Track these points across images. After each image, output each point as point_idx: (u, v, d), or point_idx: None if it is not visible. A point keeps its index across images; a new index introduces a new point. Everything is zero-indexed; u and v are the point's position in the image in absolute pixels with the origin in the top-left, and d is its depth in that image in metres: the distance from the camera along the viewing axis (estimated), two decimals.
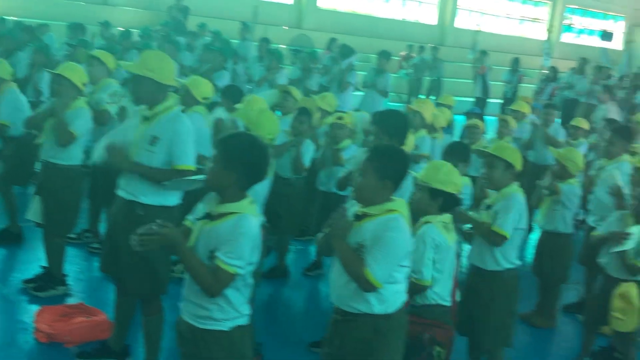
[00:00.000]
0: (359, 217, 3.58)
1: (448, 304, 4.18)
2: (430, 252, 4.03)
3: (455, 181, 4.17)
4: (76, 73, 5.70)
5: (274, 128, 5.15)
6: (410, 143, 5.95)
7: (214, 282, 3.20)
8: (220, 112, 6.88)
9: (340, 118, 6.70)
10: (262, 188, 4.62)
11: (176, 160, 4.38)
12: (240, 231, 3.21)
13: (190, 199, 4.09)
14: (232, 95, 7.12)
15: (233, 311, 3.32)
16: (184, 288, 3.41)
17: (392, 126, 5.02)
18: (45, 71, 8.70)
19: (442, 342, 4.09)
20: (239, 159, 3.27)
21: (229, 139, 3.39)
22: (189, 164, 4.42)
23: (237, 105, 6.64)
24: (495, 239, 4.78)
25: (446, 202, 4.12)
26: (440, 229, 4.08)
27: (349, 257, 3.50)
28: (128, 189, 4.47)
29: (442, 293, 4.13)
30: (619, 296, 5.15)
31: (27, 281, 5.84)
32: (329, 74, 12.28)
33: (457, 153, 5.66)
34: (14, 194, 6.78)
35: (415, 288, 4.00)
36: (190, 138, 4.48)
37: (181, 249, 3.20)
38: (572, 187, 6.14)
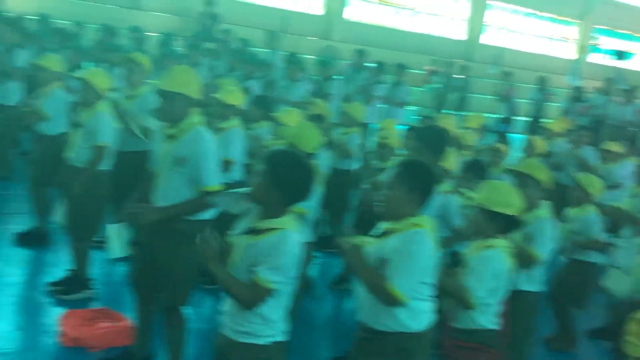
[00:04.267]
0: (384, 234, 3.57)
1: (495, 327, 4.10)
2: (489, 279, 3.96)
3: (515, 203, 4.09)
4: (101, 78, 5.75)
5: (315, 140, 5.13)
6: (451, 160, 5.89)
7: (250, 296, 3.21)
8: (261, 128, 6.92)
9: (385, 137, 6.63)
10: (312, 200, 4.64)
11: (201, 182, 4.37)
12: (281, 247, 3.22)
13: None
14: (262, 105, 7.14)
15: (272, 327, 3.33)
16: (224, 302, 3.42)
17: (432, 142, 4.99)
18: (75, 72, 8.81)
19: None
20: (284, 178, 3.28)
21: (276, 157, 3.41)
22: (215, 184, 4.40)
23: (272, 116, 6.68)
24: (529, 262, 4.73)
25: (505, 224, 4.06)
26: (505, 255, 4.03)
27: (367, 272, 3.49)
28: (164, 201, 4.48)
29: (490, 317, 4.06)
30: (635, 320, 5.07)
31: (53, 284, 5.87)
32: (351, 85, 12.33)
33: (474, 171, 5.61)
34: (46, 195, 6.80)
35: (463, 304, 3.95)
36: (214, 157, 4.46)
37: (213, 265, 3.21)
38: (588, 215, 6.06)
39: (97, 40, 11.92)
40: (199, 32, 15.73)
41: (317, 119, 6.64)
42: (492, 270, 3.95)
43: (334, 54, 14.85)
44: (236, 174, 6.27)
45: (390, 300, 3.45)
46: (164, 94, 4.40)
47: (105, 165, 5.80)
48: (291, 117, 6.44)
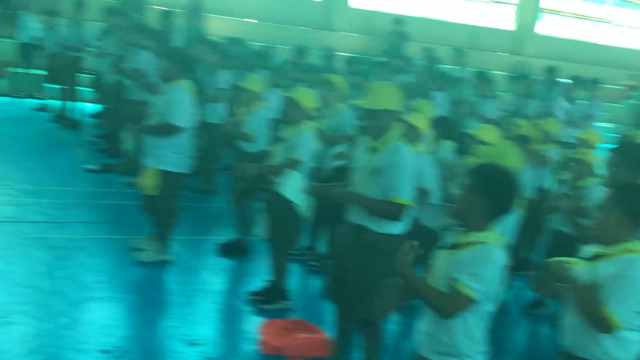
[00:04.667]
0: (595, 258, 3.40)
1: None
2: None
3: None
4: (308, 98, 5.93)
5: (516, 161, 4.99)
6: None
7: (450, 303, 3.18)
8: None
9: (581, 154, 6.35)
10: (510, 221, 4.54)
11: (391, 192, 4.38)
12: (483, 257, 3.19)
13: None
14: (443, 125, 7.02)
15: (473, 346, 3.27)
16: (421, 321, 3.40)
17: (632, 159, 4.71)
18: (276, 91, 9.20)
19: None
20: (490, 189, 3.25)
21: (480, 169, 3.40)
22: (404, 197, 4.39)
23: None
24: None
25: None
26: None
27: (586, 296, 3.32)
28: (358, 214, 4.54)
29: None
30: None
31: (253, 293, 6.11)
32: (544, 102, 11.90)
33: None
34: (249, 208, 7.12)
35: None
36: (409, 171, 4.46)
37: (410, 275, 3.21)
38: None
39: (290, 60, 12.37)
40: (387, 50, 15.89)
41: (522, 139, 6.46)
42: None
43: (526, 70, 14.43)
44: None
45: (605, 327, 3.27)
46: (369, 113, 4.47)
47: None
48: (488, 135, 6.30)
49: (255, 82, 7.20)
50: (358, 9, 19.15)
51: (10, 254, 6.28)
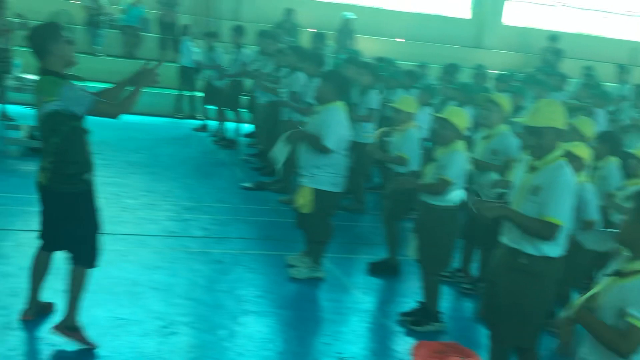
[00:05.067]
0: (622, 274, 3.15)
1: None
2: None
3: None
4: (460, 117, 5.87)
5: None
6: None
7: (625, 341, 3.03)
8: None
9: None
10: None
11: (547, 211, 4.25)
12: None
13: None
14: (609, 140, 6.73)
15: None
16: (581, 347, 3.28)
17: None
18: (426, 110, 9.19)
19: None
20: None
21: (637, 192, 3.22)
22: (559, 218, 4.25)
23: None
24: None
25: None
26: None
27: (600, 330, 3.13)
28: (512, 236, 4.44)
29: None
30: None
31: (404, 314, 6.10)
32: None
33: None
34: (397, 228, 7.14)
35: None
36: (568, 192, 4.32)
37: (579, 311, 3.10)
38: None
39: (441, 79, 12.30)
40: (541, 67, 15.47)
41: None
42: None
43: None
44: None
45: None
46: (532, 131, 4.39)
47: (452, 201, 5.89)
48: None
49: (406, 101, 7.22)
50: (511, 26, 18.81)
51: (173, 267, 6.62)
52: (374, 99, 9.40)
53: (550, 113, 4.41)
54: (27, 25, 9.50)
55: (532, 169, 4.41)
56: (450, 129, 5.81)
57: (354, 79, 9.17)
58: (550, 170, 4.33)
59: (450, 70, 12.21)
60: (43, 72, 4.74)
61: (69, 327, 4.96)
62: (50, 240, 5.06)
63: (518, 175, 4.60)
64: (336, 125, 6.51)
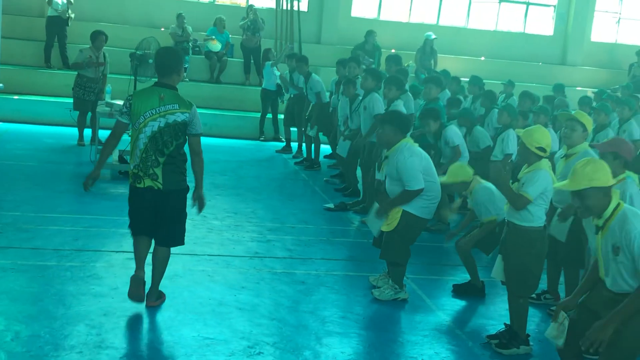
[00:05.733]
0: None
1: None
2: None
3: None
4: (533, 136, 5.76)
5: None
6: None
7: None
8: None
9: None
10: None
11: None
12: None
13: None
14: None
15: None
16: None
17: None
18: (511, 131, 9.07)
19: None
20: None
21: None
22: None
23: None
24: None
25: None
26: None
27: None
28: (614, 282, 4.35)
29: None
30: None
31: (490, 337, 6.00)
32: None
33: None
34: (469, 252, 7.05)
35: None
36: None
37: None
38: None
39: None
40: (630, 83, 15.05)
41: None
42: None
43: None
44: None
45: None
46: (574, 193, 4.37)
47: (536, 222, 5.76)
48: None
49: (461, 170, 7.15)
50: (599, 42, 18.39)
51: (258, 287, 6.71)
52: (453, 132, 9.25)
53: (590, 173, 4.32)
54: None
55: (599, 229, 4.35)
56: (526, 149, 5.73)
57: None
58: (620, 228, 4.22)
59: (558, 90, 12.08)
60: (164, 86, 5.71)
61: (159, 295, 6.02)
62: (159, 236, 5.90)
63: (590, 235, 4.52)
64: (411, 164, 6.52)
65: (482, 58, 18.01)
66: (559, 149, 7.80)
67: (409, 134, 7.08)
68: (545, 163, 5.76)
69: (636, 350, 4.36)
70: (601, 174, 4.32)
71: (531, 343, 5.91)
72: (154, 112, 5.62)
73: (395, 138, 6.67)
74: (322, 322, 6.09)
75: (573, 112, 7.31)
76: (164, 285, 6.09)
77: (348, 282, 7.17)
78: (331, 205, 9.95)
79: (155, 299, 5.98)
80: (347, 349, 5.66)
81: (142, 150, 5.64)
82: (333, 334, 5.91)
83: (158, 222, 5.80)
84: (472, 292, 7.05)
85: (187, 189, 5.89)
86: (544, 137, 5.77)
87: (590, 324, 4.30)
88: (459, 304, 6.94)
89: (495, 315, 6.45)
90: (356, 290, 6.91)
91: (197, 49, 16.71)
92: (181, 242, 6.02)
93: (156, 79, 5.84)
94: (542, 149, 5.71)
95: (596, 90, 13.42)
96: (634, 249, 4.15)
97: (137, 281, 5.87)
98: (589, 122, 6.68)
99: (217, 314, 5.98)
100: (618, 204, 4.32)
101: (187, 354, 5.21)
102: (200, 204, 5.90)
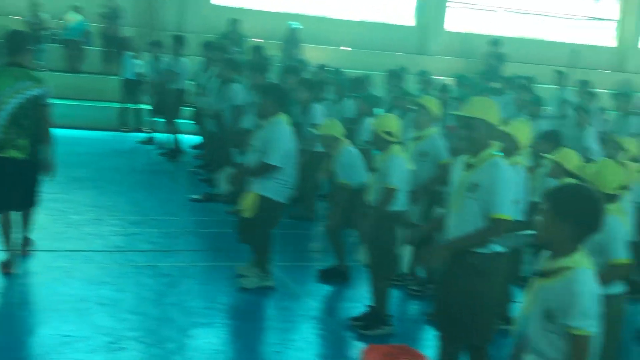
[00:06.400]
0: (546, 274, 3.21)
1: None
2: None
3: None
4: (381, 122, 6.03)
5: (616, 181, 4.74)
6: None
7: (575, 354, 3.08)
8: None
9: None
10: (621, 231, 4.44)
11: (492, 209, 4.33)
12: (575, 290, 3.06)
13: None
14: (552, 140, 6.89)
15: None
16: (522, 347, 3.32)
17: None
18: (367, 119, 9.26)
19: None
20: (569, 210, 3.13)
21: (558, 191, 3.28)
22: (506, 213, 4.34)
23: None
24: None
25: None
26: None
27: None
28: (456, 230, 4.50)
29: None
30: None
31: (354, 319, 6.13)
32: None
33: None
34: (343, 236, 7.16)
35: None
36: (508, 187, 4.41)
37: None
38: None
39: (386, 86, 12.43)
40: (485, 72, 15.76)
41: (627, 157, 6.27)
42: None
43: (630, 87, 13.98)
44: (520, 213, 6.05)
45: None
46: (465, 122, 4.48)
47: (398, 206, 5.96)
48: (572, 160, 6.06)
49: (331, 125, 7.31)
50: (453, 32, 19.09)
51: (120, 282, 6.53)
52: (318, 113, 9.38)
53: (483, 107, 4.50)
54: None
55: (469, 166, 4.48)
56: (383, 136, 5.91)
57: (296, 90, 9.19)
58: (487, 168, 4.39)
59: (395, 76, 12.34)
60: (15, 65, 6.25)
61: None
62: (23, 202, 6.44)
63: (455, 174, 4.66)
64: (280, 139, 6.54)
65: (345, 48, 18.28)
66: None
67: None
68: (397, 149, 5.95)
69: (488, 314, 4.53)
70: (492, 112, 4.48)
71: (393, 323, 6.07)
72: (11, 90, 6.12)
73: (274, 110, 6.66)
74: (187, 314, 6.01)
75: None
76: (20, 284, 5.83)
77: (214, 273, 7.12)
78: (197, 196, 9.82)
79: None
80: (212, 339, 5.62)
81: (4, 125, 6.11)
82: (198, 325, 5.85)
83: (19, 189, 6.28)
84: (337, 277, 7.16)
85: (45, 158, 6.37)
86: (392, 123, 5.99)
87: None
88: (325, 288, 7.04)
89: (360, 298, 6.58)
90: (222, 281, 6.87)
91: (54, 37, 16.00)
92: (37, 203, 6.55)
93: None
94: (390, 134, 5.89)
95: (452, 78, 13.92)
96: (493, 193, 4.30)
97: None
98: (435, 106, 6.93)
99: (77, 311, 5.78)
100: (496, 153, 4.48)
101: (44, 353, 5.01)
102: (48, 169, 6.41)
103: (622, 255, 4.44)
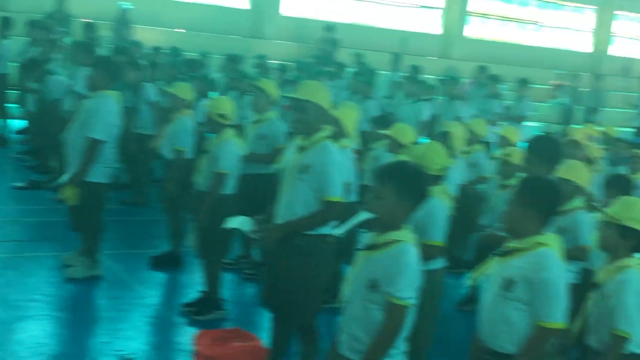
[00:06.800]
0: (507, 253, 3.49)
1: None
2: (635, 301, 3.75)
3: None
4: (215, 104, 6.06)
5: (441, 161, 4.97)
6: (583, 175, 5.63)
7: (393, 322, 3.22)
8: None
9: (508, 154, 6.49)
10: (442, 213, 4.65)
11: (325, 192, 4.43)
12: (402, 261, 3.23)
13: None
14: (382, 125, 7.13)
15: (395, 346, 3.29)
16: (342, 320, 3.42)
17: (545, 153, 4.94)
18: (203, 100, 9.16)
19: None
20: (408, 188, 3.31)
21: (392, 170, 3.41)
22: (338, 195, 4.46)
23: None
24: None
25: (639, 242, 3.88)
26: None
27: None
28: (285, 219, 4.56)
29: (638, 340, 3.79)
30: None
31: (187, 305, 6.06)
32: (473, 102, 12.22)
33: (618, 185, 5.42)
34: (178, 220, 7.05)
35: (617, 343, 3.74)
36: (338, 170, 4.53)
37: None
38: None
39: (223, 69, 12.35)
40: (319, 57, 16.00)
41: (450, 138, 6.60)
42: (635, 292, 3.75)
43: (455, 73, 14.71)
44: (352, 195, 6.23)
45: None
46: (296, 104, 4.54)
47: (229, 189, 5.95)
48: (406, 135, 6.33)
49: (182, 89, 7.18)
50: (289, 17, 19.20)
51: None
52: (152, 90, 9.22)
53: (313, 89, 4.59)
54: None
55: (301, 149, 4.55)
56: (214, 119, 5.91)
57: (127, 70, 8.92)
58: (318, 151, 4.48)
59: (233, 60, 12.28)
60: None
61: None
62: None
63: (288, 156, 4.72)
64: (106, 114, 6.29)
65: (179, 29, 17.93)
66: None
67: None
68: (230, 132, 5.93)
69: (315, 294, 4.64)
70: (323, 96, 4.55)
71: (227, 307, 6.07)
72: None
73: (101, 85, 6.37)
74: (9, 307, 5.72)
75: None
76: None
77: (39, 263, 6.80)
78: (22, 184, 9.31)
79: None
80: (36, 332, 5.38)
81: None
82: (22, 318, 5.58)
83: None
84: (170, 263, 7.05)
85: None
86: (226, 105, 6.02)
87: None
88: (157, 275, 6.92)
89: (193, 283, 6.51)
90: (48, 271, 6.58)
91: None
92: None
93: None
94: (224, 117, 5.87)
95: (287, 63, 14.03)
96: (324, 176, 4.38)
97: None
98: (273, 89, 6.97)
99: None
100: (326, 136, 4.56)
101: None
102: None
103: (438, 237, 4.65)
